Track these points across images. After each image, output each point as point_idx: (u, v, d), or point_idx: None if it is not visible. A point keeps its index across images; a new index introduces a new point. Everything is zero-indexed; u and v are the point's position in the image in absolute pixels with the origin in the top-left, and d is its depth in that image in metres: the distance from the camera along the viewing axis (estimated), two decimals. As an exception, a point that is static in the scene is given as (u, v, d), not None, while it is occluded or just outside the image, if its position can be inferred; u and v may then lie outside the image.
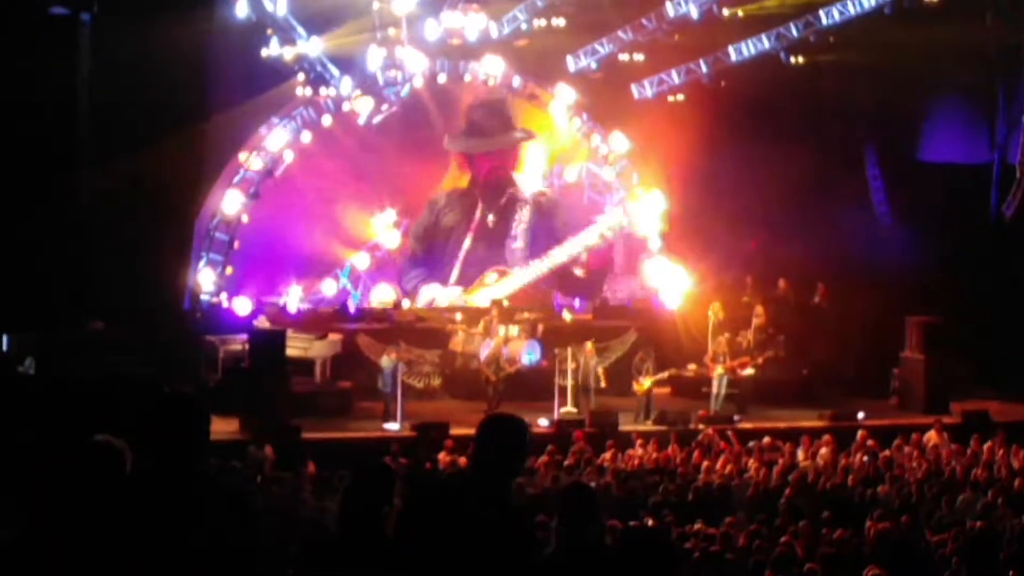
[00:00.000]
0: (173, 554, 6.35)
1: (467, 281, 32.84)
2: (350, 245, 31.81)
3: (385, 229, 31.94)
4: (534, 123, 33.48)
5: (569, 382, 28.29)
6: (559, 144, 33.72)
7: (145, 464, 6.66)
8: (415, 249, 32.72)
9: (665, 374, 28.64)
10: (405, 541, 7.01)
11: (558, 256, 33.30)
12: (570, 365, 28.38)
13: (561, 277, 33.46)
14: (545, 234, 33.67)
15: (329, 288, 31.28)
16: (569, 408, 27.97)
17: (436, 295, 32.56)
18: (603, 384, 28.74)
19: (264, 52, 30.24)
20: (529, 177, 33.49)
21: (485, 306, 31.20)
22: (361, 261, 31.76)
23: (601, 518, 8.25)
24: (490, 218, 33.07)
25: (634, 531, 11.63)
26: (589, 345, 29.03)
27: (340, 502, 7.05)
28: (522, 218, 33.48)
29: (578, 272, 33.34)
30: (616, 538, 12.10)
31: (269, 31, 30.25)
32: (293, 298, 30.32)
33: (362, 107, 31.31)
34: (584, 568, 7.41)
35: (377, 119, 31.59)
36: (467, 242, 32.88)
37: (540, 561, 7.72)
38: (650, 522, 16.47)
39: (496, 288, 32.68)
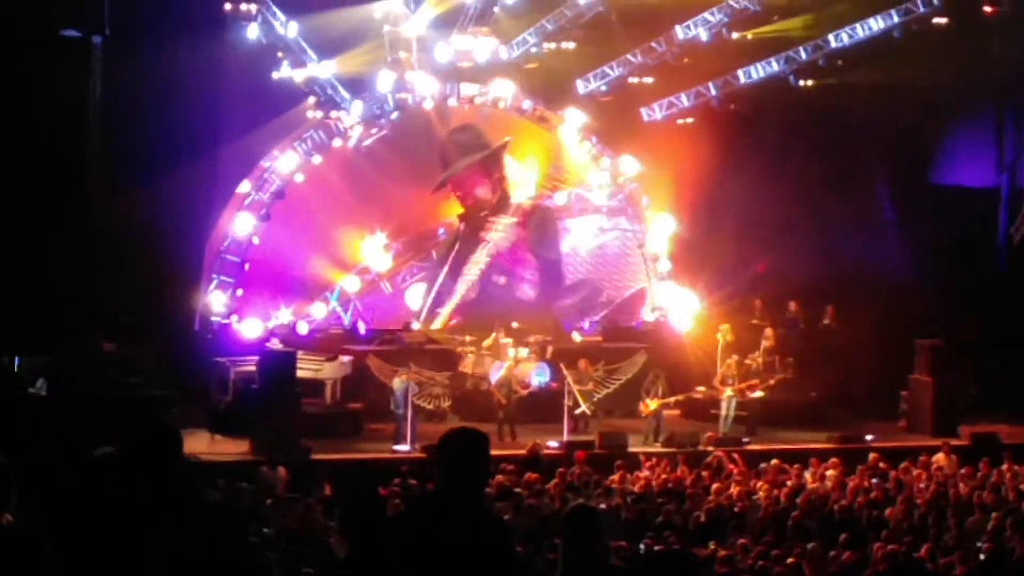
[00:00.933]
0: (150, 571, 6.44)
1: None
2: (341, 268, 31.80)
3: (375, 253, 31.90)
4: (533, 145, 33.50)
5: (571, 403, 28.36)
6: (555, 167, 33.76)
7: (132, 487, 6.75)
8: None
9: (672, 400, 28.65)
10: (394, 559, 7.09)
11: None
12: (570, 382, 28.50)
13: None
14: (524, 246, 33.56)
15: (319, 311, 31.23)
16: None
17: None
18: (585, 409, 28.75)
19: (275, 75, 30.38)
20: (519, 195, 33.55)
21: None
22: (351, 284, 31.73)
23: (605, 539, 8.30)
24: (458, 246, 32.94)
25: (662, 554, 11.72)
26: (582, 364, 29.21)
27: (339, 525, 7.15)
28: (500, 225, 33.26)
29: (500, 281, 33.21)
30: (641, 559, 12.18)
31: (280, 54, 30.40)
32: (300, 323, 30.35)
33: (352, 131, 31.41)
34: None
35: (367, 142, 31.65)
36: (439, 278, 32.77)
37: None
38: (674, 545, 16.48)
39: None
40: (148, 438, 6.78)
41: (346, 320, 31.39)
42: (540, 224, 33.61)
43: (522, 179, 33.43)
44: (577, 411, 28.25)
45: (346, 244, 31.83)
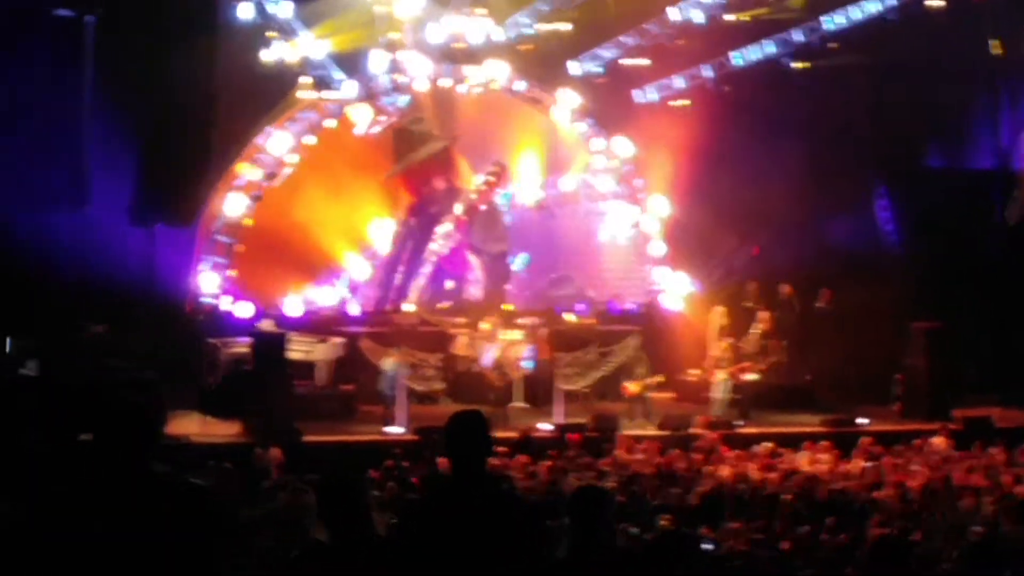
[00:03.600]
0: (120, 553, 6.40)
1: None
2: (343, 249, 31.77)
3: (382, 237, 31.88)
4: (528, 130, 33.38)
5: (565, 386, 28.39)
6: (553, 151, 33.64)
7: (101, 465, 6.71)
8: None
9: (654, 380, 28.57)
10: (409, 545, 7.08)
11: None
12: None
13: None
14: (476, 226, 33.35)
15: (326, 297, 31.19)
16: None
17: None
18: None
19: (267, 55, 30.30)
20: (525, 188, 33.39)
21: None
22: (361, 272, 31.67)
23: (613, 521, 8.33)
24: (411, 243, 32.80)
25: (669, 534, 11.72)
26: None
27: (318, 509, 7.15)
28: (438, 235, 32.91)
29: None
30: (645, 542, 12.16)
31: (273, 34, 30.32)
32: (294, 303, 30.28)
33: (359, 116, 31.32)
34: (596, 571, 7.47)
35: (375, 129, 31.58)
36: (396, 279, 32.61)
37: (552, 563, 7.78)
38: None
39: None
40: (119, 418, 6.73)
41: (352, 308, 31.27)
42: (488, 221, 33.36)
43: (524, 171, 33.40)
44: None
45: (353, 228, 31.77)
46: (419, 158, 32.60)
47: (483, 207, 32.94)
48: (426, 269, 32.37)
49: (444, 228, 32.53)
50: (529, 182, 33.37)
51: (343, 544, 7.10)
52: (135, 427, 6.70)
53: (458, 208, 32.69)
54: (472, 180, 33.02)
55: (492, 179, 32.95)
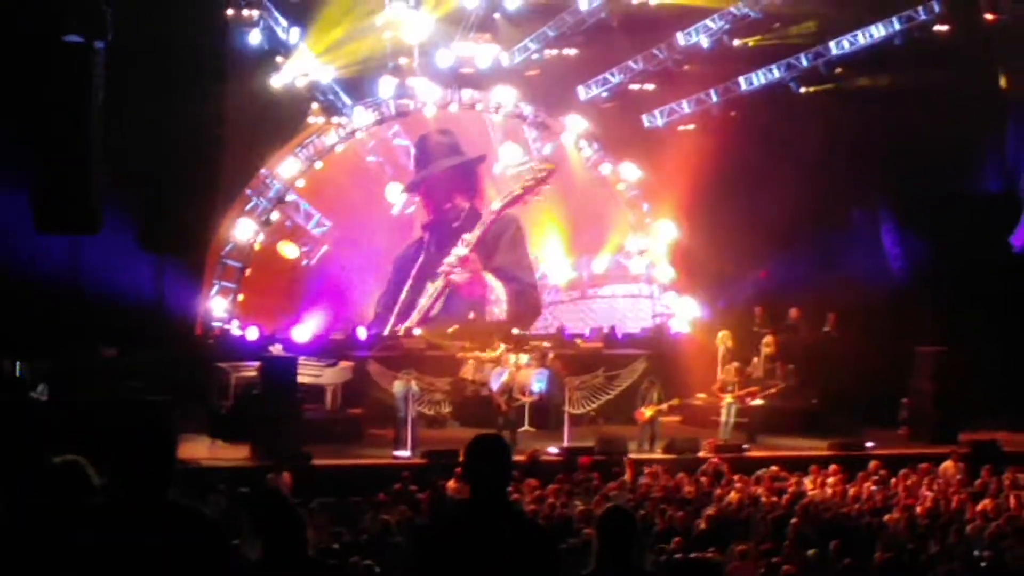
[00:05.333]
0: None
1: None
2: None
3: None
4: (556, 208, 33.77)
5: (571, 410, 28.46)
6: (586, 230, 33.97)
7: (114, 490, 6.73)
8: (379, 309, 32.71)
9: (666, 405, 28.58)
10: (424, 571, 7.10)
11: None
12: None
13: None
14: (500, 247, 33.52)
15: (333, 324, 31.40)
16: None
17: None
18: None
19: (277, 80, 30.42)
20: (554, 267, 33.73)
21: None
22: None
23: (642, 542, 8.38)
24: (432, 250, 32.94)
25: (687, 562, 11.77)
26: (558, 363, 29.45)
27: (254, 531, 7.11)
28: (465, 241, 33.14)
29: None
30: (665, 566, 12.22)
31: (281, 59, 30.44)
32: (303, 330, 30.36)
33: (395, 195, 31.95)
34: None
35: (410, 210, 32.20)
36: (403, 293, 32.74)
37: None
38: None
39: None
40: (136, 444, 6.72)
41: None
42: (510, 245, 33.55)
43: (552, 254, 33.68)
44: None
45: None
46: (444, 166, 32.78)
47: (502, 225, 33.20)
48: (437, 284, 32.48)
49: (459, 251, 32.69)
50: (556, 264, 33.71)
51: (274, 562, 7.03)
52: (152, 452, 6.69)
53: (496, 203, 32.96)
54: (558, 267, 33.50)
55: (542, 174, 33.20)
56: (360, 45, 30.87)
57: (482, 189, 33.44)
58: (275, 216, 31.02)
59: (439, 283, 32.49)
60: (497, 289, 33.07)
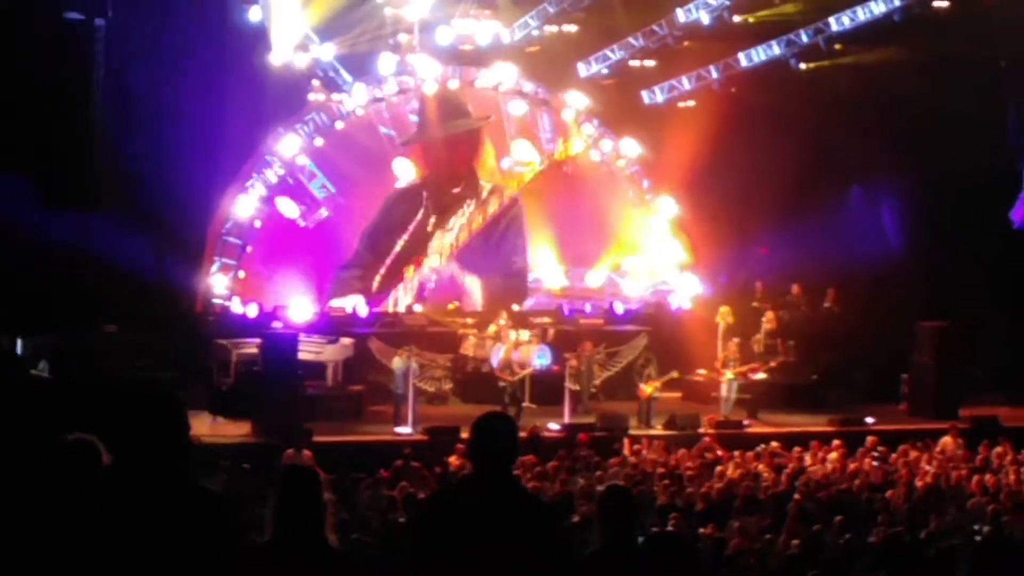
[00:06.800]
0: (135, 556, 6.44)
1: (386, 287, 32.47)
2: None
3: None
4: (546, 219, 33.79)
5: (572, 385, 28.40)
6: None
7: (122, 465, 6.76)
8: (361, 248, 32.30)
9: (667, 377, 28.56)
10: (428, 548, 7.07)
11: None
12: (569, 368, 28.59)
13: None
14: (492, 239, 33.45)
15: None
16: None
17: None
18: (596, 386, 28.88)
19: (276, 58, 30.38)
20: (547, 272, 33.77)
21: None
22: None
23: (640, 520, 8.38)
24: (432, 220, 32.72)
25: (660, 536, 11.76)
26: (588, 345, 29.30)
27: (272, 506, 7.00)
28: (465, 212, 33.12)
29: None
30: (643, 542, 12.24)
31: (279, 35, 30.40)
32: (301, 306, 30.34)
33: (402, 171, 31.82)
34: (628, 566, 7.53)
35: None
36: (399, 244, 32.57)
37: (584, 558, 7.88)
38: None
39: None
40: (142, 409, 6.75)
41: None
42: (514, 229, 33.56)
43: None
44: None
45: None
46: (450, 129, 32.66)
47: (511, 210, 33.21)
48: (432, 261, 32.51)
49: (444, 248, 32.74)
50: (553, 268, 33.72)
51: (284, 543, 6.90)
52: (170, 429, 6.73)
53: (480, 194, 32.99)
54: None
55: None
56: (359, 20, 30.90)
57: (481, 153, 33.34)
58: (280, 172, 30.91)
59: (411, 294, 32.41)
60: (471, 287, 33.08)
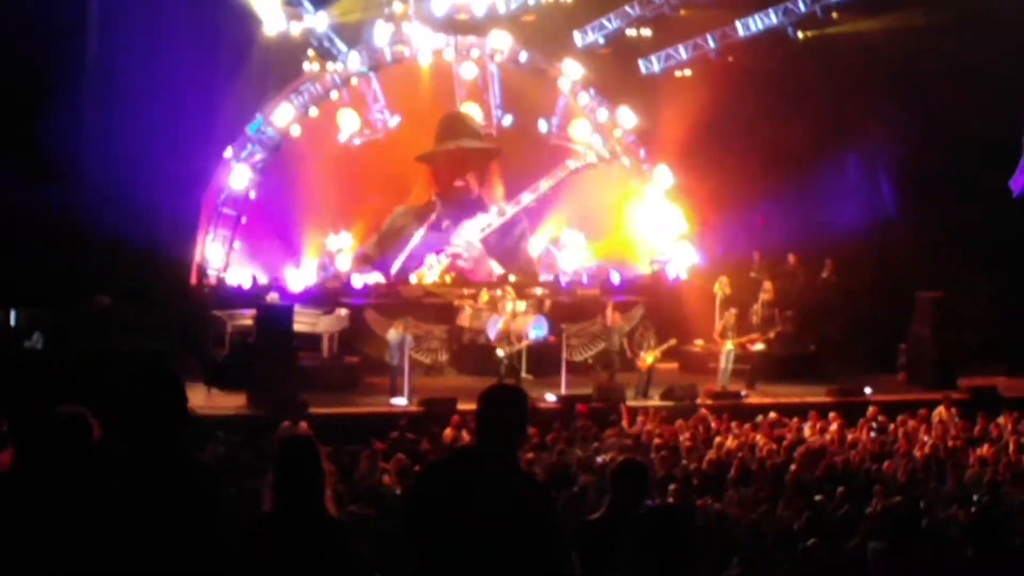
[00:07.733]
0: (129, 529, 6.37)
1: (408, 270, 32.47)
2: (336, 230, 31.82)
3: (340, 253, 31.73)
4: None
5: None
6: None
7: (115, 440, 6.69)
8: (370, 253, 32.37)
9: (666, 345, 28.45)
10: (420, 519, 6.96)
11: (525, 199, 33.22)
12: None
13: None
14: (500, 244, 33.48)
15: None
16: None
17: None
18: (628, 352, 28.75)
19: (271, 28, 30.25)
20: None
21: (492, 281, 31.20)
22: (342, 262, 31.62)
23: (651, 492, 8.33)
24: (445, 223, 32.76)
25: (658, 507, 11.67)
26: (609, 310, 29.21)
27: (271, 477, 6.92)
28: (479, 224, 33.06)
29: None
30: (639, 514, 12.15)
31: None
32: (297, 276, 30.25)
33: (346, 122, 31.21)
34: (627, 535, 7.45)
35: (357, 141, 31.47)
36: (416, 236, 32.57)
37: (585, 523, 7.78)
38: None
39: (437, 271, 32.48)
40: (140, 384, 6.69)
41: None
42: (518, 239, 33.71)
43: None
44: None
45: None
46: (464, 146, 32.58)
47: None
48: (443, 263, 32.35)
49: (473, 237, 32.66)
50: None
51: (288, 516, 6.82)
52: (167, 401, 6.67)
53: (526, 195, 32.98)
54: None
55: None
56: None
57: (492, 178, 33.37)
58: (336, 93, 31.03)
59: (444, 262, 32.27)
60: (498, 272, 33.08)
